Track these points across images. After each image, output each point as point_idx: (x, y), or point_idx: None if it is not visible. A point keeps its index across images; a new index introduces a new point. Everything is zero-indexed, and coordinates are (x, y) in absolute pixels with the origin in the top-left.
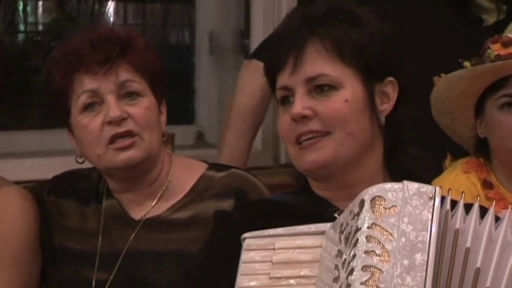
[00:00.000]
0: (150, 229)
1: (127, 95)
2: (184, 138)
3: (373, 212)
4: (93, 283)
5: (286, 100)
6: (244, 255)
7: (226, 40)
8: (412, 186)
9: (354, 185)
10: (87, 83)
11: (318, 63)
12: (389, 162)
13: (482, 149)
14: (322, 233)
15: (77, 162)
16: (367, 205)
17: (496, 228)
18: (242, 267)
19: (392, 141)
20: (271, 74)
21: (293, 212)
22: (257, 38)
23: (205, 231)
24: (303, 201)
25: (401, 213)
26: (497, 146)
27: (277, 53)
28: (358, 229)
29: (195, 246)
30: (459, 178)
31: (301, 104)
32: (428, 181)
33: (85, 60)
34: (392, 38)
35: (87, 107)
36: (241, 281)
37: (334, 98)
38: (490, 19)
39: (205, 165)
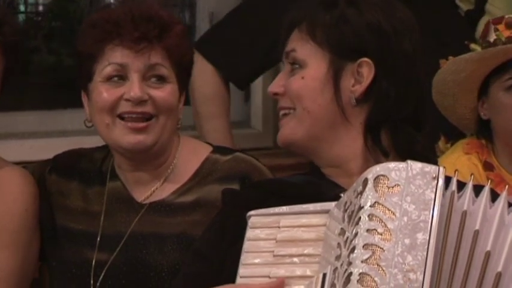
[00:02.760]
0: (155, 213)
1: (153, 76)
2: (184, 118)
3: (376, 190)
4: (93, 263)
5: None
6: (249, 233)
7: None
8: (416, 166)
9: (341, 162)
10: (117, 56)
11: (294, 41)
12: (374, 140)
13: (484, 131)
14: (327, 211)
15: (85, 125)
16: (370, 184)
17: (509, 213)
18: (247, 245)
19: (372, 120)
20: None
21: (300, 193)
22: None
23: (209, 214)
24: (312, 182)
25: (404, 193)
26: (501, 127)
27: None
28: (360, 207)
29: (198, 230)
30: (461, 159)
31: (277, 81)
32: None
33: (122, 33)
34: (371, 20)
35: (111, 79)
36: (245, 258)
37: (295, 76)
38: (465, 7)
39: (210, 148)
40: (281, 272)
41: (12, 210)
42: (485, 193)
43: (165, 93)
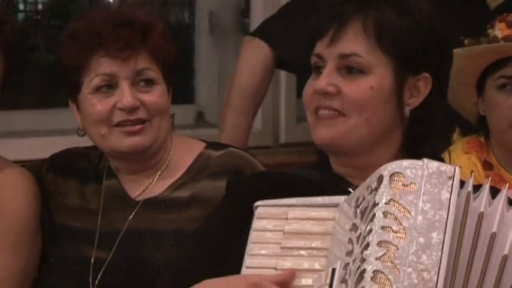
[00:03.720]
0: (150, 209)
1: (142, 81)
2: (184, 117)
3: (391, 188)
4: (92, 261)
5: (318, 69)
6: (256, 223)
7: (226, 19)
8: (432, 164)
9: (367, 167)
10: (104, 66)
11: (355, 42)
12: (409, 154)
13: (483, 127)
14: (336, 205)
15: (78, 134)
16: (385, 181)
17: None
18: (253, 235)
19: (414, 134)
20: (312, 37)
21: (306, 186)
22: (257, 17)
23: (204, 210)
24: (318, 176)
25: (420, 191)
26: (493, 125)
27: (321, 21)
28: (375, 204)
29: (194, 225)
30: (460, 158)
31: (327, 79)
32: None
33: (106, 44)
34: (439, 34)
35: (100, 89)
36: (251, 248)
37: (359, 82)
38: (493, 2)
39: (203, 144)
40: (288, 264)
41: (15, 212)
42: (503, 196)
43: (155, 96)
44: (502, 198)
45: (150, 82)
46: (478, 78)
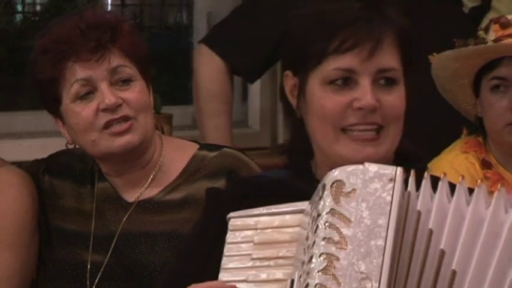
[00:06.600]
0: (143, 211)
1: (119, 81)
2: (182, 118)
3: (332, 197)
4: (89, 266)
5: (343, 82)
6: (229, 236)
7: None
8: (372, 168)
9: None
10: (79, 72)
11: (392, 56)
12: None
13: (482, 128)
14: (302, 211)
15: (67, 147)
16: (327, 190)
17: (468, 204)
18: (226, 248)
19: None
20: (319, 51)
21: (282, 190)
22: None
23: (198, 211)
24: (293, 178)
25: (360, 198)
26: (488, 126)
27: (346, 32)
28: (319, 215)
29: (189, 227)
30: (458, 158)
31: (372, 94)
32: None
33: (77, 48)
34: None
35: (80, 96)
36: (225, 262)
37: (395, 93)
38: (470, 4)
39: (197, 146)
40: (262, 276)
41: (13, 212)
42: (443, 188)
43: (135, 93)
44: (443, 191)
45: (127, 80)
46: (474, 79)
